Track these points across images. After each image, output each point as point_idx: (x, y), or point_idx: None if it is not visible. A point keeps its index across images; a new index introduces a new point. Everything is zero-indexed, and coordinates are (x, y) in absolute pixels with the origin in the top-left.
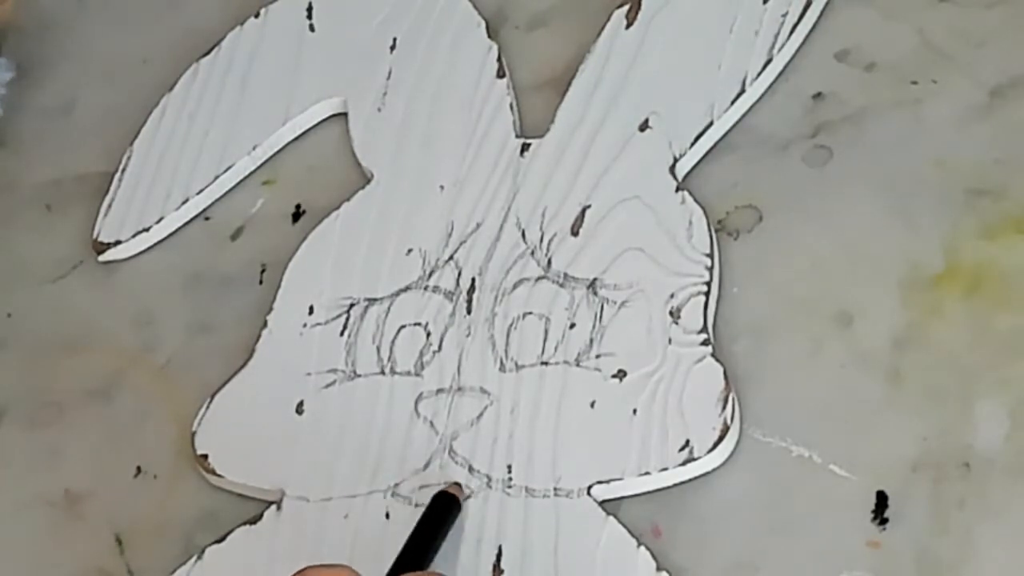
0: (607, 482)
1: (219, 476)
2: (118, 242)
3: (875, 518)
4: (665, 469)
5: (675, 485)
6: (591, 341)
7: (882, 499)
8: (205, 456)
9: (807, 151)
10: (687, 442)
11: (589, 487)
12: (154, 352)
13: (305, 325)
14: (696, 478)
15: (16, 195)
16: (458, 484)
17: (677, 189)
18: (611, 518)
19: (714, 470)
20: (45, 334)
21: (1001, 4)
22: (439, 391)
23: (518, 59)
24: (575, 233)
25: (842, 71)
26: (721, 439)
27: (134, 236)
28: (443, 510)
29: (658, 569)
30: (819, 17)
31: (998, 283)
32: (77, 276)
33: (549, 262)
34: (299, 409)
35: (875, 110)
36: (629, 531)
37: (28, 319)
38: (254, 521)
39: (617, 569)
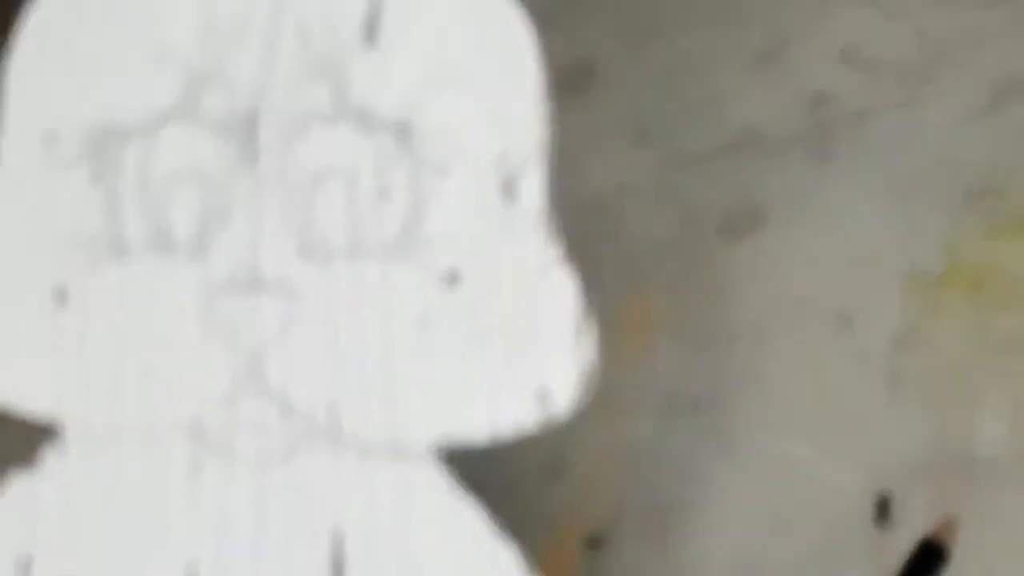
0: (453, 438)
1: None
2: None
3: (875, 518)
4: (520, 426)
5: None
6: (410, 221)
7: (882, 499)
8: None
9: (808, 151)
10: (543, 388)
11: (435, 445)
12: None
13: (47, 163)
14: None
15: None
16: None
17: None
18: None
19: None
20: None
21: (1002, 4)
22: (232, 284)
23: None
24: (370, 38)
25: (843, 71)
26: (581, 384)
27: None
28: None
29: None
30: (820, 17)
31: (999, 283)
32: None
33: (344, 86)
34: (60, 298)
35: (876, 110)
36: (487, 513)
37: None
38: (30, 461)
39: (475, 563)
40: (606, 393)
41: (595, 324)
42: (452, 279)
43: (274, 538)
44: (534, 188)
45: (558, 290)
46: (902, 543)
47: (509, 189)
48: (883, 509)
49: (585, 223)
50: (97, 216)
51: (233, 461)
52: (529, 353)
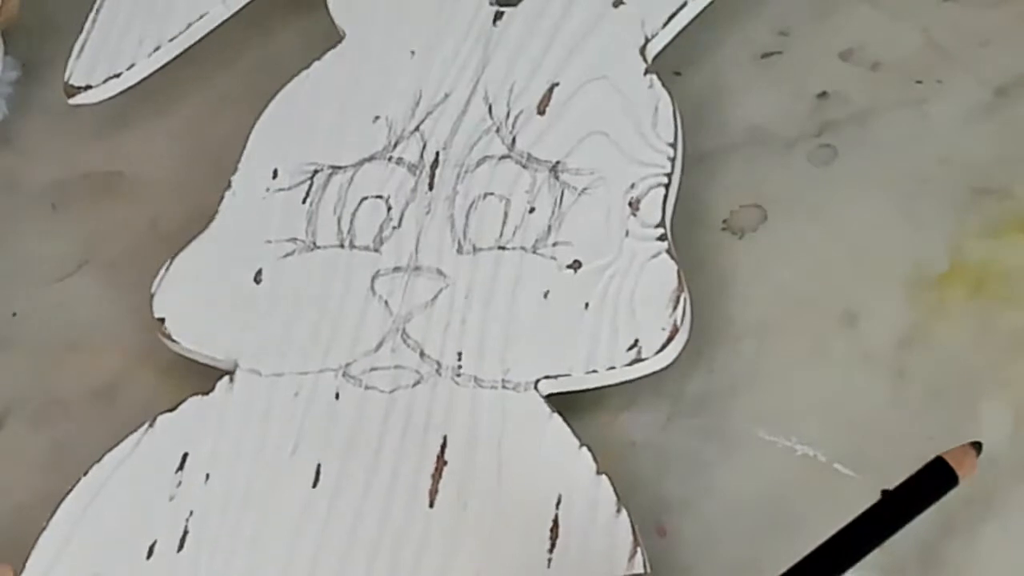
0: (555, 377)
1: (174, 342)
2: (89, 87)
3: None
4: (612, 368)
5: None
6: (549, 228)
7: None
8: (162, 320)
9: (812, 150)
10: (636, 341)
11: (536, 381)
12: (159, 351)
13: (268, 189)
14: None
15: (21, 194)
16: (976, 445)
17: (646, 72)
18: (556, 415)
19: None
20: (50, 333)
21: (1005, 3)
22: (396, 269)
23: None
24: (541, 112)
25: (847, 70)
26: (670, 340)
27: (105, 81)
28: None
29: (598, 472)
30: (824, 16)
31: (1003, 282)
32: (82, 275)
33: (514, 141)
34: (257, 278)
35: (880, 109)
36: (572, 430)
37: (33, 318)
38: (207, 392)
39: (559, 468)
40: (606, 392)
41: (686, 300)
42: (576, 267)
43: (394, 447)
44: (654, 204)
45: (658, 273)
46: (905, 542)
47: (633, 206)
48: None
49: None
50: (301, 226)
51: (370, 391)
52: (629, 317)
